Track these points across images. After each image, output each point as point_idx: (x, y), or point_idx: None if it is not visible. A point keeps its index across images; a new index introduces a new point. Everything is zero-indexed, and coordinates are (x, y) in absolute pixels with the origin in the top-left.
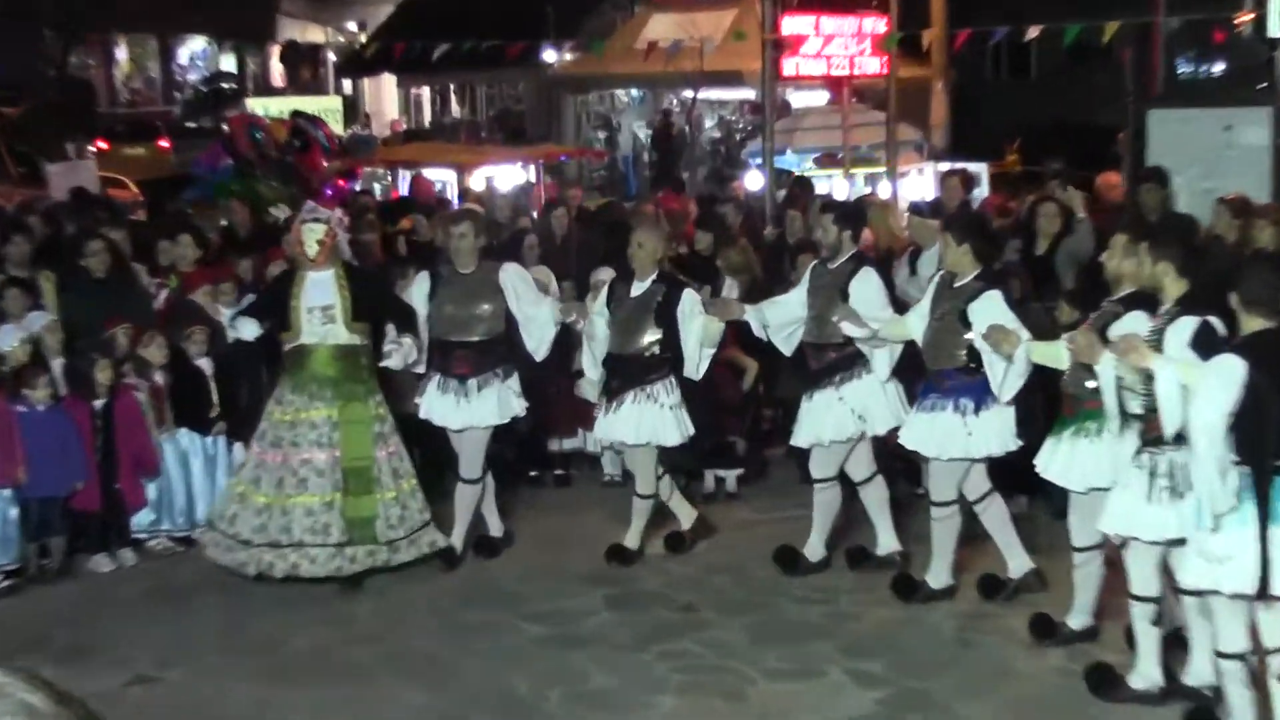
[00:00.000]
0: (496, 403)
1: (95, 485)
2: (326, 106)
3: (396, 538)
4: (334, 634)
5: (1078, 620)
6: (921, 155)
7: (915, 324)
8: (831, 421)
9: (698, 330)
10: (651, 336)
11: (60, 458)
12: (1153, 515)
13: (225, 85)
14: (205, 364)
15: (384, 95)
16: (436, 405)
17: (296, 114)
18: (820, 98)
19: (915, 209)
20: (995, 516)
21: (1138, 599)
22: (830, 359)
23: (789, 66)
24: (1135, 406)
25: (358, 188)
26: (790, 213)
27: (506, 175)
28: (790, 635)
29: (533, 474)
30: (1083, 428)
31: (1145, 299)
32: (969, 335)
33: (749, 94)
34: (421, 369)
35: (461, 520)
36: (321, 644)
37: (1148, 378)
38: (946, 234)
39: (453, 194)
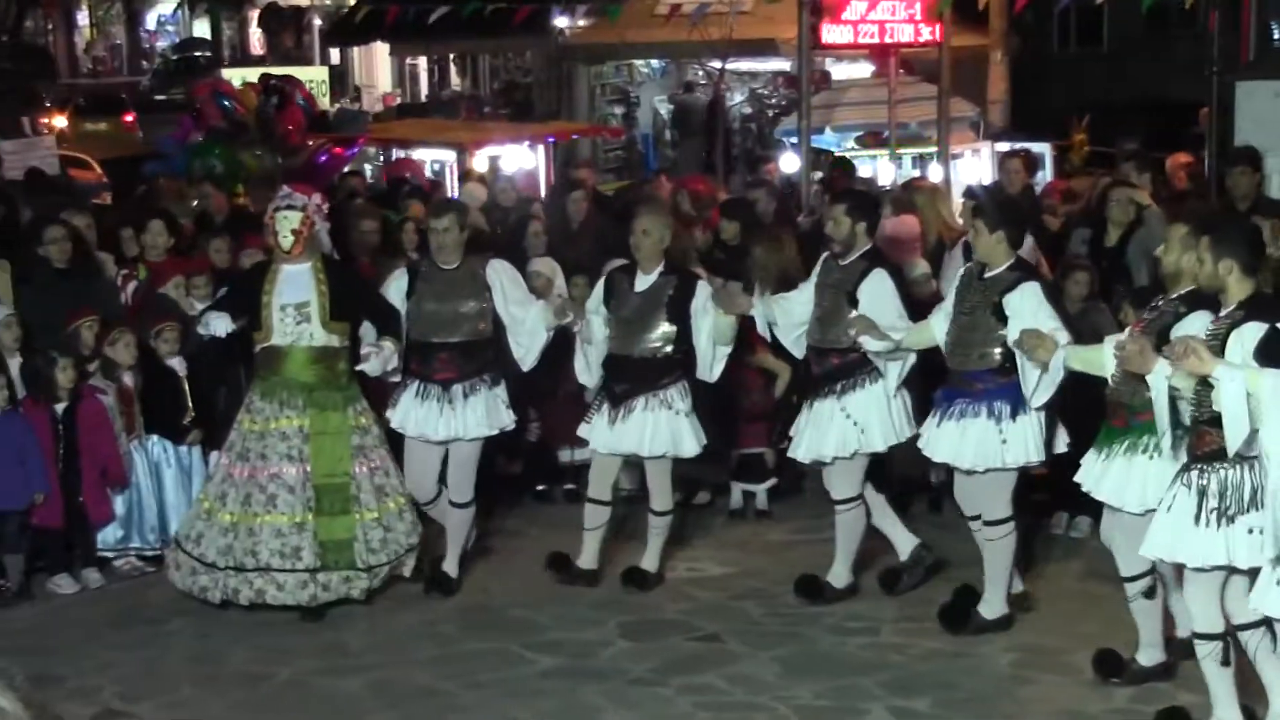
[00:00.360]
0: (485, 412)
1: (57, 498)
2: (311, 78)
3: (378, 564)
4: (320, 664)
5: (1147, 655)
6: (977, 134)
7: (940, 328)
8: (834, 436)
9: (709, 327)
10: (662, 334)
11: (17, 467)
12: (1201, 540)
13: (198, 54)
14: (178, 364)
15: (376, 66)
16: (414, 414)
17: (265, 75)
18: (864, 70)
19: (971, 194)
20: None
21: (1203, 637)
22: (832, 365)
23: (829, 34)
24: (1185, 417)
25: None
26: (829, 199)
27: (512, 155)
28: (827, 669)
29: (540, 488)
30: (1137, 442)
31: (1209, 299)
32: (1002, 332)
33: (783, 65)
34: (397, 377)
35: (455, 545)
36: (306, 675)
37: (1203, 385)
38: (977, 220)
39: (452, 176)
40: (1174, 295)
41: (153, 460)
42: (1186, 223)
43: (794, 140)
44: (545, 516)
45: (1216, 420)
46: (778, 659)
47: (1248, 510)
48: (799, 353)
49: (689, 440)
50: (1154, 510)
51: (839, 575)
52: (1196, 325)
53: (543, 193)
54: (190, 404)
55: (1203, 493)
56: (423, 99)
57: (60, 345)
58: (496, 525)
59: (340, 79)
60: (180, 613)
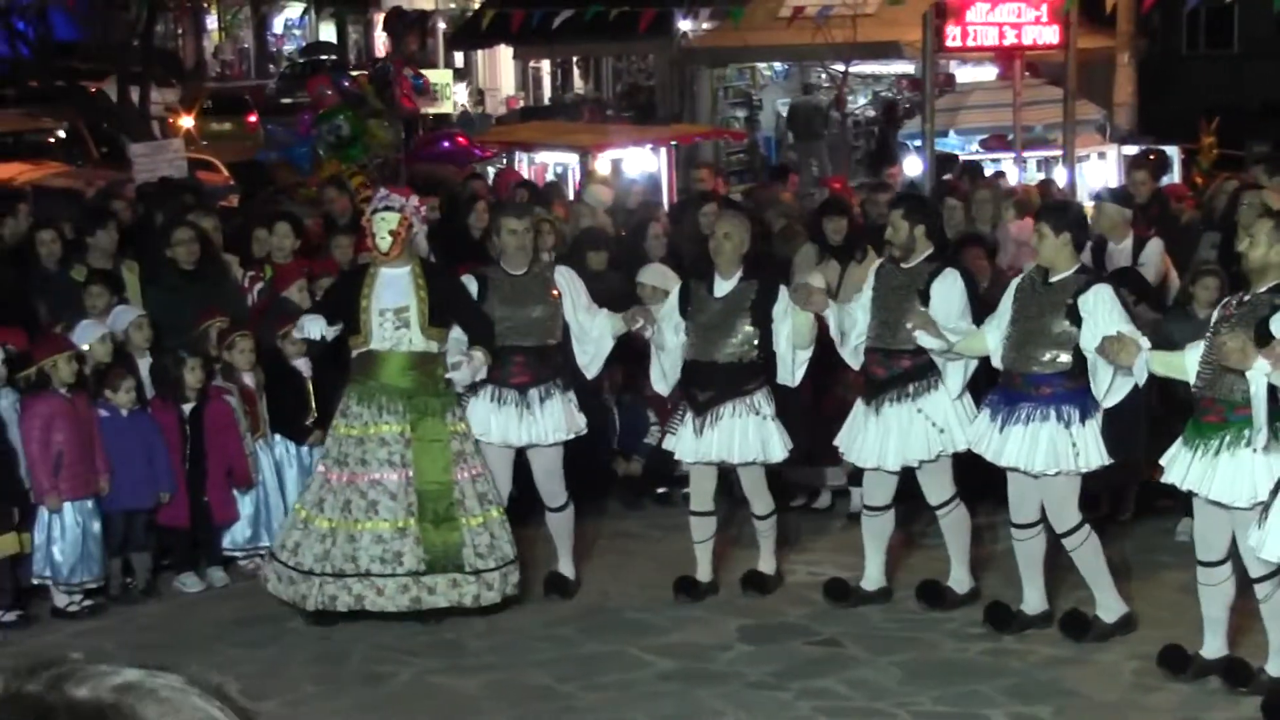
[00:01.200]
0: (562, 416)
1: (183, 498)
2: (435, 80)
3: (486, 568)
4: (441, 664)
5: (1277, 665)
6: (1104, 137)
7: (994, 339)
8: (916, 439)
9: (788, 331)
10: (745, 339)
11: (145, 467)
12: None
13: (324, 57)
14: (303, 365)
15: (499, 69)
16: (493, 420)
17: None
18: (988, 72)
19: (1098, 197)
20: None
21: None
22: (903, 368)
23: (953, 36)
24: None
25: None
26: (949, 201)
27: (634, 158)
28: (947, 675)
29: (660, 490)
30: (1239, 436)
31: None
32: (1074, 334)
33: (907, 68)
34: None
35: (564, 546)
36: (427, 675)
37: None
38: (1041, 224)
39: (573, 179)
40: (1263, 289)
41: (276, 460)
42: (1273, 218)
43: (918, 143)
44: (665, 519)
45: None
46: (898, 664)
47: None
48: (856, 363)
49: (777, 445)
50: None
51: (960, 581)
52: None
53: (664, 195)
54: (313, 405)
55: None
56: (545, 102)
57: (188, 346)
58: (616, 527)
59: (466, 79)
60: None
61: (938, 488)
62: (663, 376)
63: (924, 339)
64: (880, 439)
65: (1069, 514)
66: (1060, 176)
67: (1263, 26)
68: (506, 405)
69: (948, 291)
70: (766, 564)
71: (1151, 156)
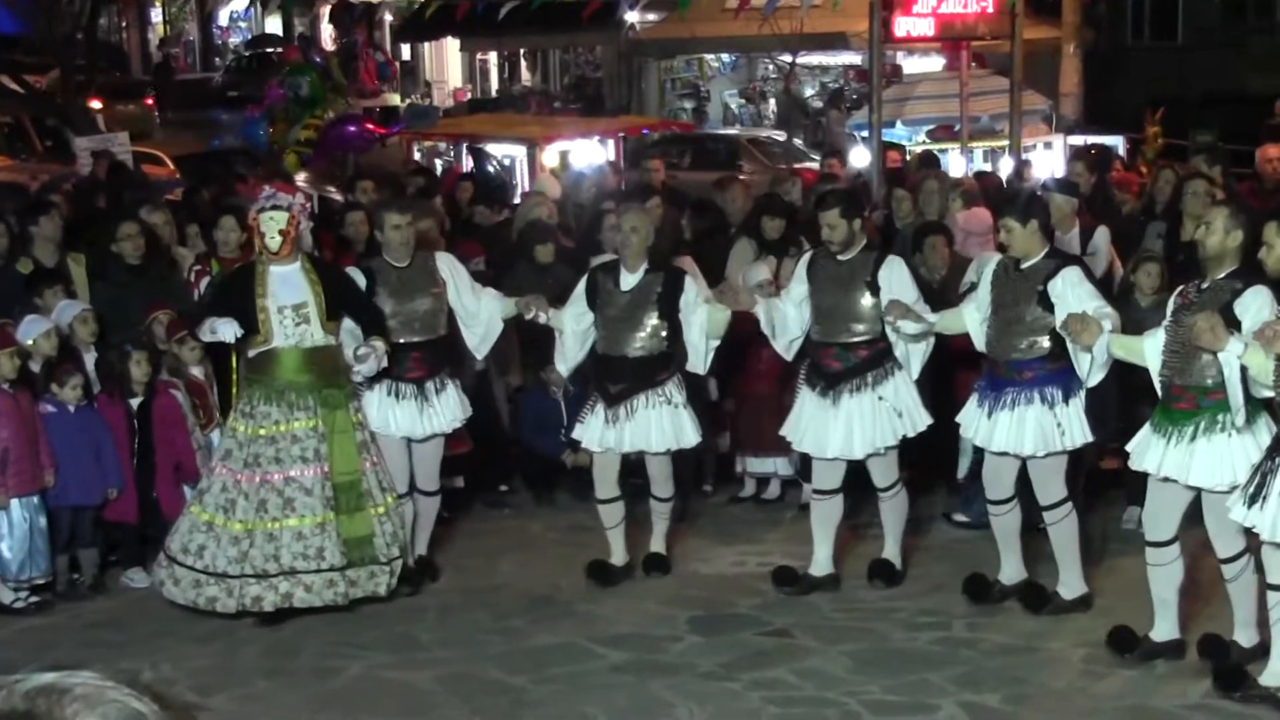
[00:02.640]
0: (457, 404)
1: (131, 493)
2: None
3: (394, 557)
4: (392, 658)
5: (1246, 636)
6: (1050, 127)
7: (972, 316)
8: (880, 426)
9: (702, 321)
10: (654, 332)
11: (93, 463)
12: None
13: (270, 50)
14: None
15: (446, 61)
16: (394, 414)
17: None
18: (935, 63)
19: (1044, 188)
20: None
21: None
22: (861, 357)
23: (900, 27)
24: (1255, 391)
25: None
26: (898, 192)
27: (583, 150)
28: (897, 664)
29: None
30: (1214, 421)
31: (1259, 275)
32: (1050, 319)
33: (854, 59)
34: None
35: (426, 531)
36: (378, 669)
37: None
38: (1006, 219)
39: (522, 171)
40: (1221, 275)
41: None
42: (1227, 205)
43: (865, 134)
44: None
45: None
46: (848, 654)
47: None
48: (789, 356)
49: (689, 431)
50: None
51: (892, 557)
52: (1261, 300)
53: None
54: None
55: None
56: (493, 94)
57: (134, 340)
58: (567, 520)
59: (411, 74)
60: None
61: (886, 471)
62: (564, 358)
63: (908, 325)
64: (845, 430)
65: (1055, 489)
66: (1007, 166)
67: (1207, 17)
68: (406, 399)
69: (899, 277)
70: (659, 544)
71: (1093, 151)
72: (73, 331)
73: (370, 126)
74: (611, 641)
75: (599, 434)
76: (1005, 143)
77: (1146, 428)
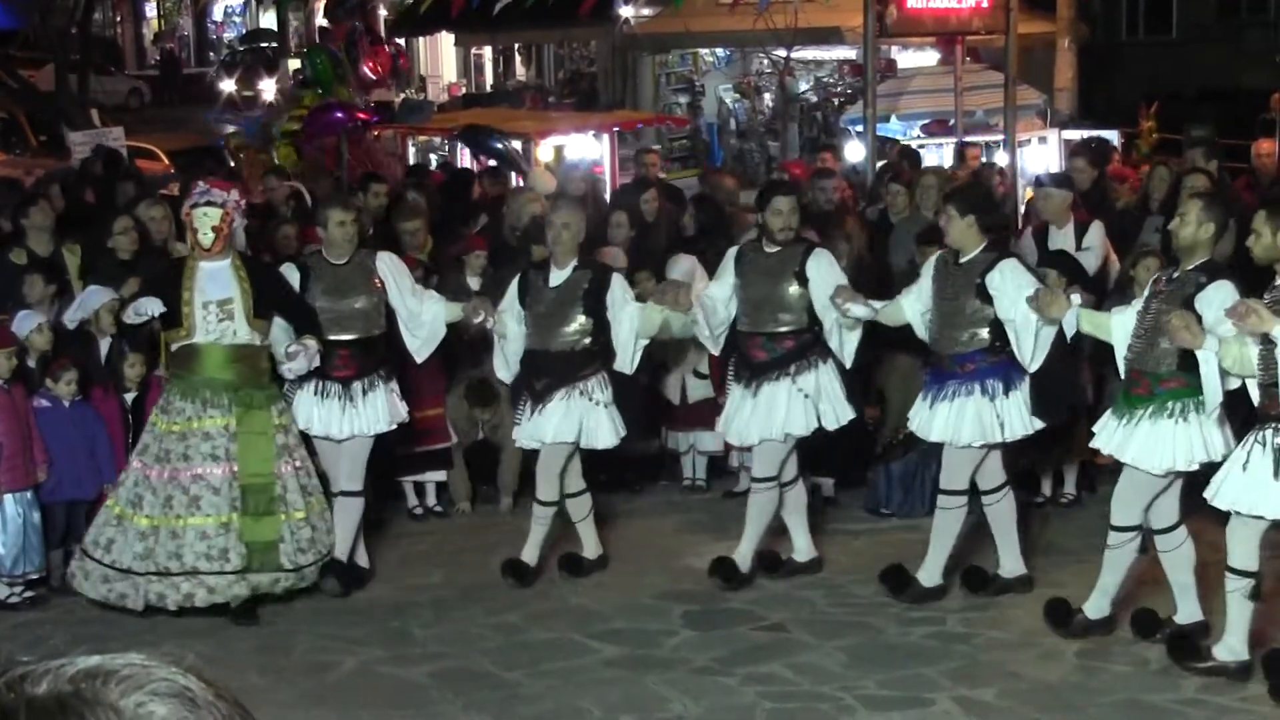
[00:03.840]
0: (386, 407)
1: None
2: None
3: (306, 563)
4: (386, 653)
5: (1095, 609)
6: (1045, 122)
7: (912, 307)
8: (795, 414)
9: (631, 319)
10: (580, 329)
11: (87, 457)
12: (1277, 493)
13: (265, 44)
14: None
15: (441, 56)
16: (318, 413)
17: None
18: (929, 58)
19: (1039, 182)
20: (1005, 513)
21: (1238, 573)
22: (787, 348)
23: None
24: (1247, 381)
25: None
26: (893, 187)
27: (578, 145)
28: (892, 659)
29: (603, 478)
30: (1163, 408)
31: (1224, 269)
32: (989, 312)
33: (849, 53)
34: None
35: (349, 533)
36: (373, 664)
37: (1267, 345)
38: (948, 206)
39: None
40: (1191, 267)
41: None
42: (1201, 198)
43: (859, 128)
44: (610, 506)
45: None
46: (843, 649)
47: None
48: (716, 349)
49: (606, 431)
50: (1177, 472)
51: (801, 550)
52: (1223, 295)
53: (607, 181)
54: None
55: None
56: (488, 89)
57: (128, 338)
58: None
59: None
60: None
61: (767, 461)
62: (505, 365)
63: (856, 310)
64: (765, 415)
65: (993, 476)
66: (1001, 161)
67: (1201, 12)
68: (330, 398)
69: (827, 269)
70: (531, 553)
71: (1093, 145)
72: (96, 317)
73: (360, 115)
74: (606, 636)
75: (529, 431)
76: (1000, 137)
77: (1110, 411)
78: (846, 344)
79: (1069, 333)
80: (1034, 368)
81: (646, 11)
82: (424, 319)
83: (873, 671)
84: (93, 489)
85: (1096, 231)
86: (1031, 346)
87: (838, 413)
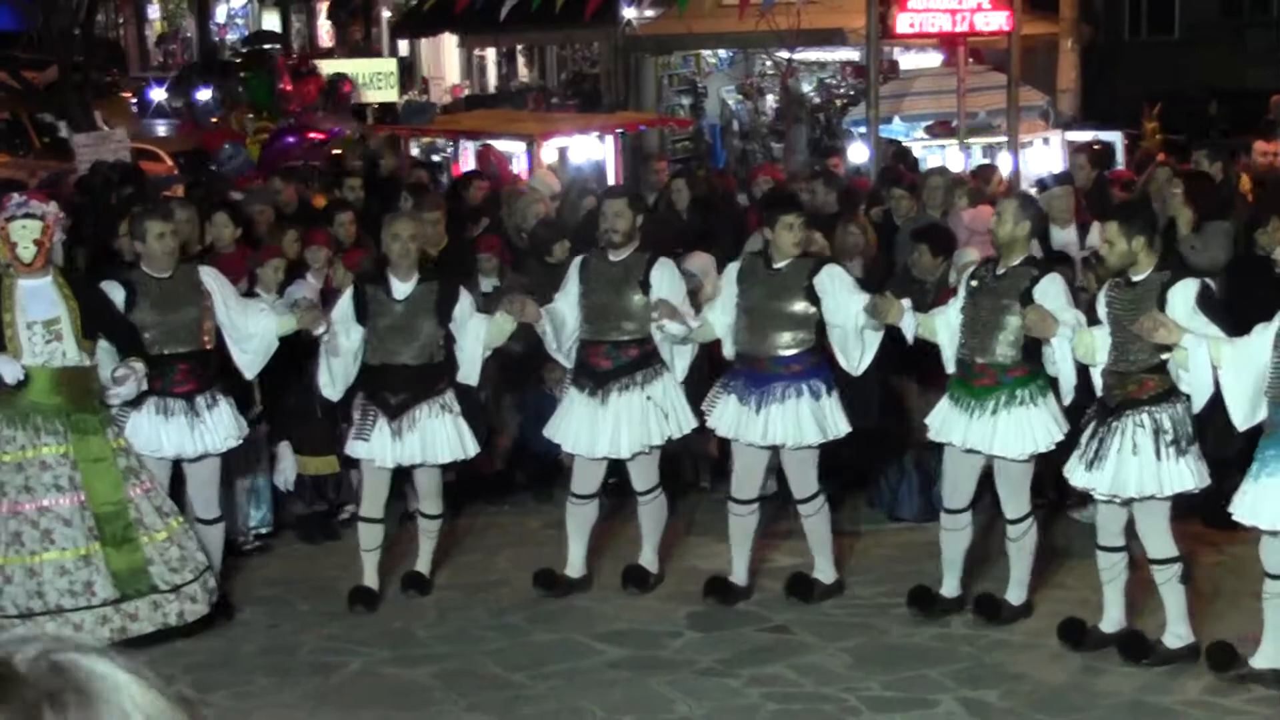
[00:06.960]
0: (232, 422)
1: None
2: (379, 70)
3: (184, 581)
4: (390, 654)
5: (1016, 594)
6: (1047, 123)
7: (720, 322)
8: (650, 425)
9: (478, 331)
10: (431, 341)
11: None
12: (1170, 470)
13: (268, 46)
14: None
15: (444, 57)
16: (165, 433)
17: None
18: (933, 59)
19: (1041, 184)
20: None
21: (1163, 562)
22: (632, 357)
23: (898, 23)
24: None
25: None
26: (895, 191)
27: (580, 146)
28: (896, 660)
29: (611, 480)
30: (1014, 396)
31: (1045, 264)
32: (811, 312)
33: (852, 55)
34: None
35: (218, 558)
36: (377, 665)
37: (1131, 338)
38: (789, 216)
39: (520, 167)
40: (1016, 262)
41: None
42: (1016, 197)
43: (862, 130)
44: (617, 508)
45: (1158, 368)
46: (847, 650)
47: (1194, 441)
48: (568, 362)
49: (470, 441)
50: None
51: (649, 561)
52: (1057, 287)
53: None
54: (258, 396)
55: (1158, 430)
56: (491, 90)
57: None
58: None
59: (408, 70)
60: (251, 602)
61: (647, 474)
62: (331, 381)
63: (671, 327)
64: (613, 428)
65: (810, 482)
66: (1004, 162)
67: (1204, 12)
68: (175, 416)
69: (670, 279)
70: (424, 564)
71: (1095, 147)
72: None
73: (311, 135)
74: (610, 638)
75: (390, 449)
76: (1003, 138)
77: (945, 401)
78: (677, 359)
79: (909, 337)
80: (859, 371)
81: (650, 13)
82: (251, 332)
83: (877, 673)
84: None
85: (1098, 232)
86: (859, 352)
87: (681, 422)
